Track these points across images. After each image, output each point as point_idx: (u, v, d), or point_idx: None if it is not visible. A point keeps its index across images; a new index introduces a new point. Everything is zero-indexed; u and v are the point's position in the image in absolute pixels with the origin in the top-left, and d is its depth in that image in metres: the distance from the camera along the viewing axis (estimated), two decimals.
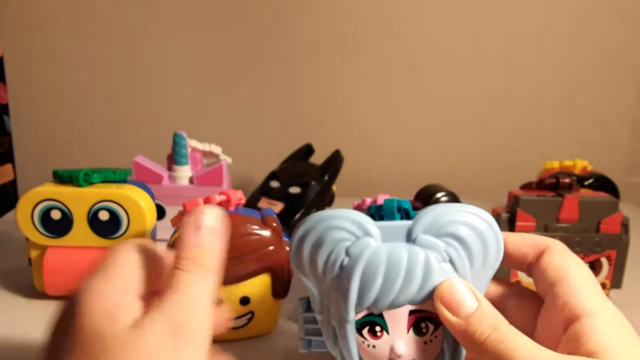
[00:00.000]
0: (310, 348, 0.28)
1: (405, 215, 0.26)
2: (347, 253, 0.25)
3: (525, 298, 0.27)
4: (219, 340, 0.23)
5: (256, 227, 0.36)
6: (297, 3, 0.80)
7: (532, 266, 0.27)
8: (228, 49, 0.81)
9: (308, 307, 0.28)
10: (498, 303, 0.28)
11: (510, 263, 0.28)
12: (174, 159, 0.56)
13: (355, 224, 0.25)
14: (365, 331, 0.25)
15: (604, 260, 0.43)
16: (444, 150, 0.86)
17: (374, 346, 0.25)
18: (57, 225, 0.39)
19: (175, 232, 0.37)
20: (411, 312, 0.25)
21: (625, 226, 0.43)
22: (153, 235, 0.44)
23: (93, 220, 0.39)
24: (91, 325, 0.21)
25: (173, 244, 0.35)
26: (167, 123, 0.80)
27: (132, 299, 0.22)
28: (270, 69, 0.82)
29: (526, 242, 0.27)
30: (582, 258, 0.43)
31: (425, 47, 0.82)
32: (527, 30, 0.82)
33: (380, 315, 0.25)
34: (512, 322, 0.27)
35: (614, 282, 0.44)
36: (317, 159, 0.66)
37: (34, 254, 0.41)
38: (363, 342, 0.25)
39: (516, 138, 0.86)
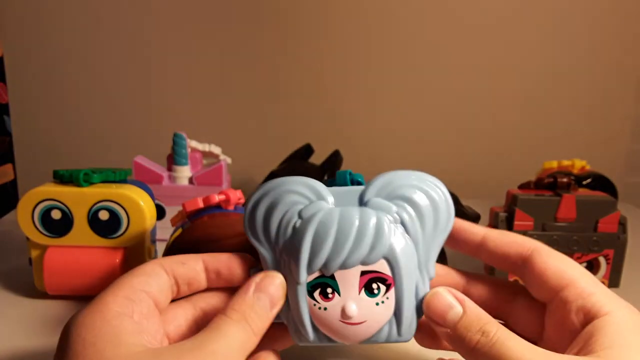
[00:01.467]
0: None
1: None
2: (300, 215, 0.25)
3: (530, 301, 0.27)
4: None
5: None
6: (297, 3, 0.80)
7: (520, 269, 0.26)
8: (228, 49, 0.81)
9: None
10: (504, 305, 0.28)
11: (491, 260, 0.28)
12: (173, 159, 0.56)
13: (309, 188, 0.26)
14: (316, 294, 0.25)
15: (601, 260, 0.43)
16: (443, 150, 0.86)
17: (325, 308, 0.25)
18: (57, 225, 0.40)
19: (174, 231, 0.37)
20: (362, 273, 0.25)
21: (623, 225, 0.43)
22: (153, 235, 0.44)
23: (93, 220, 0.39)
24: (93, 355, 0.20)
25: (172, 244, 0.35)
26: (167, 123, 0.80)
27: (130, 323, 0.22)
28: (270, 69, 0.82)
29: (509, 241, 0.27)
30: (580, 257, 0.43)
31: (426, 48, 0.82)
32: (526, 30, 0.82)
33: (332, 277, 0.25)
34: (519, 324, 0.27)
35: (612, 281, 0.44)
36: (317, 159, 0.67)
37: (34, 253, 0.41)
38: (314, 304, 0.25)
39: (515, 138, 0.86)
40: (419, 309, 0.26)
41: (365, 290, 0.25)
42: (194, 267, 0.26)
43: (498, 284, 0.29)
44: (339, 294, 0.25)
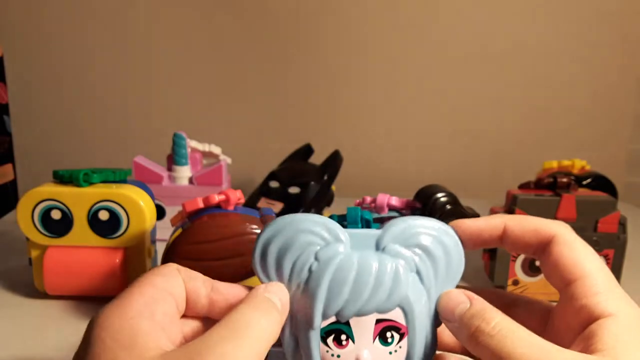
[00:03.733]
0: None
1: (367, 226, 0.26)
2: (317, 257, 0.25)
3: (533, 305, 0.27)
4: None
5: (255, 226, 0.36)
6: (298, 4, 0.80)
7: (540, 255, 0.26)
8: (228, 50, 0.81)
9: None
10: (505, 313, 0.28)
11: (513, 248, 0.27)
12: (173, 159, 0.56)
13: (325, 228, 0.25)
14: (330, 340, 0.24)
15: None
16: (443, 150, 0.86)
17: (338, 356, 0.24)
18: (57, 225, 0.39)
19: (174, 231, 0.37)
20: (377, 321, 0.24)
21: (623, 225, 0.43)
22: (153, 236, 0.44)
23: (93, 220, 0.39)
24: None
25: (172, 244, 0.35)
26: (167, 123, 0.80)
27: (148, 324, 0.21)
28: (270, 69, 0.82)
29: (529, 228, 0.26)
30: None
31: (426, 48, 0.82)
32: (526, 30, 0.82)
33: (347, 324, 0.24)
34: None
35: None
36: (317, 159, 0.67)
37: (34, 253, 0.41)
38: (327, 351, 0.25)
39: (515, 138, 0.86)
40: (428, 356, 0.25)
41: (379, 339, 0.25)
42: (201, 284, 0.25)
43: (496, 294, 0.28)
44: (352, 342, 0.24)
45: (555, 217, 0.42)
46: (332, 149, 0.65)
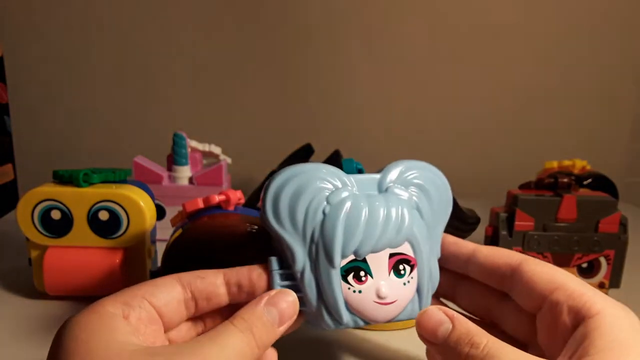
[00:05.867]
0: None
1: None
2: (328, 201, 0.26)
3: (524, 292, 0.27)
4: None
5: (255, 226, 0.36)
6: (298, 4, 0.80)
7: (509, 280, 0.27)
8: (228, 49, 0.81)
9: (281, 266, 0.27)
10: (494, 306, 0.28)
11: (480, 273, 0.28)
12: (173, 159, 0.56)
13: (333, 175, 0.27)
14: (350, 277, 0.26)
15: (602, 260, 0.43)
16: (443, 150, 0.86)
17: (359, 291, 0.26)
18: (57, 225, 0.39)
19: (174, 231, 0.37)
20: (391, 256, 0.26)
21: (623, 226, 0.43)
22: (153, 236, 0.44)
23: (93, 220, 0.39)
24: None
25: (172, 244, 0.35)
26: (167, 123, 0.80)
27: (124, 325, 0.22)
28: (270, 68, 0.82)
29: (498, 253, 0.28)
30: (581, 257, 0.43)
31: (426, 48, 0.82)
32: (526, 30, 0.82)
33: (364, 261, 0.26)
34: (510, 326, 0.27)
35: (613, 281, 0.44)
36: (317, 159, 0.66)
37: (34, 254, 0.41)
38: (349, 288, 0.26)
39: (515, 138, 0.86)
40: (434, 286, 0.28)
41: (394, 271, 0.26)
42: (213, 281, 0.25)
43: (486, 287, 0.29)
44: (371, 277, 0.26)
45: (556, 218, 0.42)
46: (332, 149, 0.65)
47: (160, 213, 0.55)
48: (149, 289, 0.24)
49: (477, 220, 0.52)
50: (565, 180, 0.43)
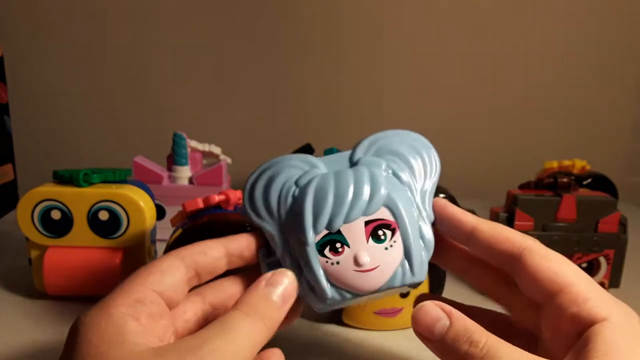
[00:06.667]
0: None
1: None
2: (297, 184, 0.27)
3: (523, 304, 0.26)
4: None
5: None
6: (298, 3, 0.80)
7: (510, 267, 0.25)
8: (228, 49, 0.81)
9: (269, 255, 0.28)
10: (505, 290, 0.27)
11: (480, 253, 0.27)
12: (173, 159, 0.56)
13: (302, 160, 0.28)
14: (326, 251, 0.26)
15: (602, 260, 0.43)
16: (443, 150, 0.86)
17: (337, 262, 0.26)
18: (57, 225, 0.39)
19: (174, 231, 0.37)
20: (367, 223, 0.26)
21: (623, 225, 0.43)
22: (153, 236, 0.44)
23: (93, 220, 0.39)
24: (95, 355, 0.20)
25: (171, 244, 0.35)
26: (167, 123, 0.80)
27: (135, 324, 0.22)
28: (270, 68, 0.82)
29: (499, 237, 0.26)
30: (580, 257, 0.43)
31: (426, 48, 0.82)
32: (526, 30, 0.82)
33: (338, 232, 0.26)
34: (521, 312, 0.27)
35: (612, 281, 0.44)
36: None
37: (34, 254, 0.41)
38: (327, 261, 0.26)
39: (515, 138, 0.86)
40: (428, 249, 0.27)
41: (372, 238, 0.26)
42: (215, 255, 0.26)
43: (501, 269, 0.27)
44: (348, 247, 0.26)
45: (555, 217, 0.42)
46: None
47: (160, 213, 0.55)
48: (156, 278, 0.24)
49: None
50: (565, 180, 0.43)
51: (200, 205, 0.37)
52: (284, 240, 0.27)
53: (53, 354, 0.34)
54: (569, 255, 0.42)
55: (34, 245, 0.40)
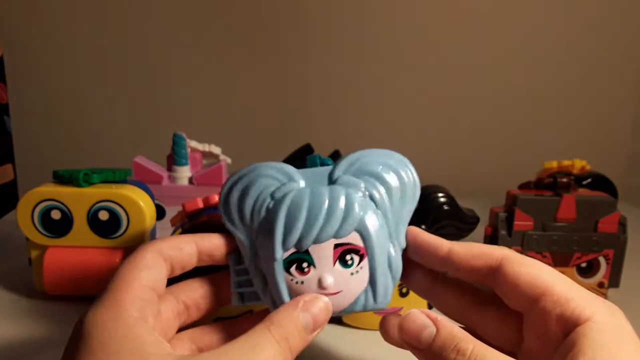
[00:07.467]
0: (243, 302, 0.28)
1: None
2: (273, 197, 0.27)
3: (503, 308, 0.26)
4: None
5: None
6: (297, 3, 0.80)
7: (490, 280, 0.25)
8: (228, 49, 0.81)
9: (238, 262, 0.28)
10: (472, 312, 0.27)
11: (459, 273, 0.27)
12: (173, 159, 0.56)
13: (280, 171, 0.27)
14: (292, 269, 0.26)
15: (601, 260, 0.43)
16: (442, 150, 0.86)
17: (302, 282, 0.26)
18: (57, 225, 0.39)
19: (174, 231, 0.37)
20: (336, 246, 0.26)
21: (623, 225, 0.43)
22: (153, 236, 0.44)
23: (93, 220, 0.39)
24: None
25: None
26: (167, 123, 0.80)
27: (148, 331, 0.21)
28: (270, 69, 0.82)
29: (475, 253, 0.26)
30: (580, 257, 0.43)
31: (426, 48, 0.82)
32: (526, 30, 0.82)
33: (307, 252, 0.26)
34: (491, 333, 0.26)
35: (612, 281, 0.44)
36: None
37: (34, 253, 0.41)
38: (292, 279, 0.26)
39: (515, 138, 0.86)
40: (394, 278, 0.27)
41: (339, 262, 0.26)
42: (189, 251, 0.26)
43: (466, 289, 0.27)
44: (314, 267, 0.26)
45: (555, 217, 0.42)
46: (332, 149, 0.65)
47: (160, 213, 0.55)
48: (147, 275, 0.24)
49: (477, 220, 0.52)
50: (565, 180, 0.43)
51: (200, 205, 0.37)
52: (253, 250, 0.27)
53: (53, 354, 0.34)
54: (569, 255, 0.42)
55: (34, 245, 0.40)
